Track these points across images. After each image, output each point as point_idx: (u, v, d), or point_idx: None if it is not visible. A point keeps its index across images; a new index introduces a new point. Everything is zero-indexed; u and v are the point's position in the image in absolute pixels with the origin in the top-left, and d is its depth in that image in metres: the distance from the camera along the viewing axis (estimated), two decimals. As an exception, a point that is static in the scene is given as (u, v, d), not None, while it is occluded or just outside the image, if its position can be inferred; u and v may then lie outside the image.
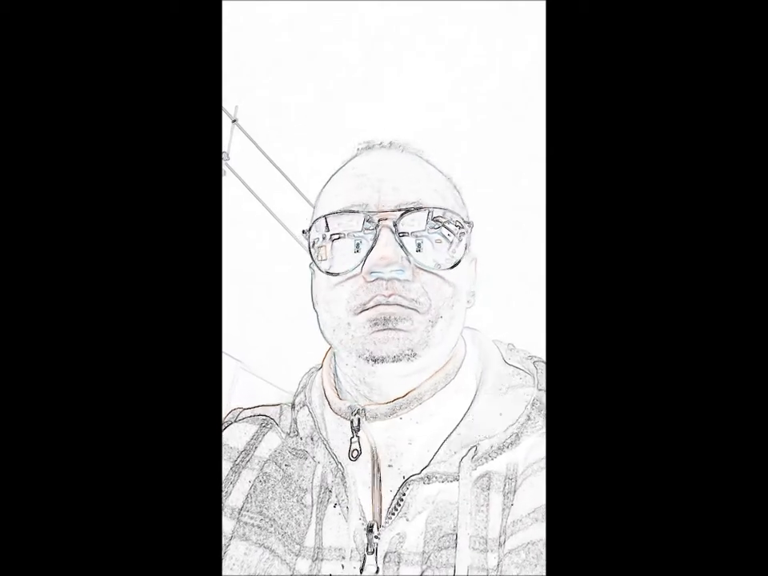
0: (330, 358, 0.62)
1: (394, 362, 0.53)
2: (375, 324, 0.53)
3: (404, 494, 0.53)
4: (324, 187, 0.60)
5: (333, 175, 0.60)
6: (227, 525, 0.56)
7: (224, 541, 0.55)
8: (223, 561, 0.54)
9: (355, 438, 0.55)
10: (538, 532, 0.49)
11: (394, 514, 0.53)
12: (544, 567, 0.47)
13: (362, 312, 0.54)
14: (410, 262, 0.54)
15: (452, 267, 0.55)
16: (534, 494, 0.51)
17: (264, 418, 0.63)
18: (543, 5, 0.48)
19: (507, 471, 0.53)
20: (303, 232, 0.58)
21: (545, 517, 0.49)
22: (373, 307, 0.53)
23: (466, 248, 0.56)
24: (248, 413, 0.64)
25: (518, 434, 0.54)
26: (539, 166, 0.56)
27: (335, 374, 0.60)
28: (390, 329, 0.53)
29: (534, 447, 0.53)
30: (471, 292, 0.61)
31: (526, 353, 0.61)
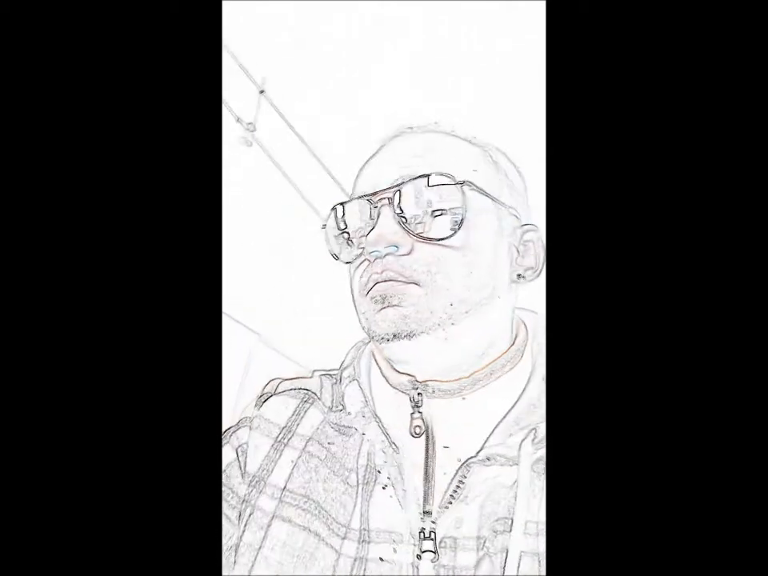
0: None
1: (392, 340, 0.52)
2: (376, 303, 0.53)
3: (464, 477, 0.51)
4: (357, 176, 0.60)
5: (363, 165, 0.60)
6: (268, 504, 0.54)
7: (265, 519, 0.53)
8: (264, 540, 0.53)
9: (417, 414, 0.53)
10: None
11: (453, 497, 0.51)
12: None
13: (367, 293, 0.53)
14: (409, 236, 0.52)
15: (450, 236, 0.52)
16: None
17: (305, 392, 0.60)
18: (543, 5, 0.48)
19: None
20: (323, 227, 0.57)
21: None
22: (372, 287, 0.53)
23: (461, 213, 0.52)
24: (287, 384, 0.62)
25: None
26: (539, 166, 0.56)
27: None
28: (387, 306, 0.52)
29: None
30: (520, 264, 0.57)
31: None
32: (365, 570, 0.50)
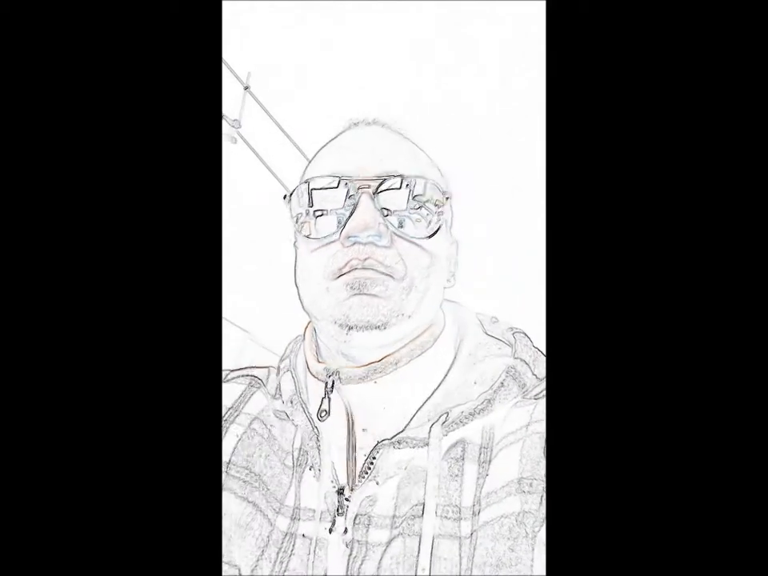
0: (312, 327, 0.62)
1: (365, 329, 0.53)
2: (351, 288, 0.53)
3: (374, 458, 0.54)
4: (309, 163, 0.62)
5: (318, 151, 0.61)
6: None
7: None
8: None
9: (326, 399, 0.56)
10: (511, 505, 0.49)
11: (364, 476, 0.53)
12: (515, 540, 0.47)
13: (339, 277, 0.54)
14: (387, 228, 0.54)
15: (430, 236, 0.56)
16: (508, 466, 0.51)
17: (252, 378, 0.63)
18: (543, 5, 0.48)
19: (482, 440, 0.53)
20: (284, 197, 0.58)
21: (518, 490, 0.49)
22: (349, 272, 0.54)
23: (441, 218, 0.57)
24: (236, 373, 0.65)
25: (489, 400, 0.54)
26: (539, 167, 0.56)
27: (316, 341, 0.61)
28: (365, 294, 0.53)
29: (509, 417, 0.54)
30: (451, 272, 0.62)
31: (507, 325, 0.62)
32: (293, 545, 0.53)
